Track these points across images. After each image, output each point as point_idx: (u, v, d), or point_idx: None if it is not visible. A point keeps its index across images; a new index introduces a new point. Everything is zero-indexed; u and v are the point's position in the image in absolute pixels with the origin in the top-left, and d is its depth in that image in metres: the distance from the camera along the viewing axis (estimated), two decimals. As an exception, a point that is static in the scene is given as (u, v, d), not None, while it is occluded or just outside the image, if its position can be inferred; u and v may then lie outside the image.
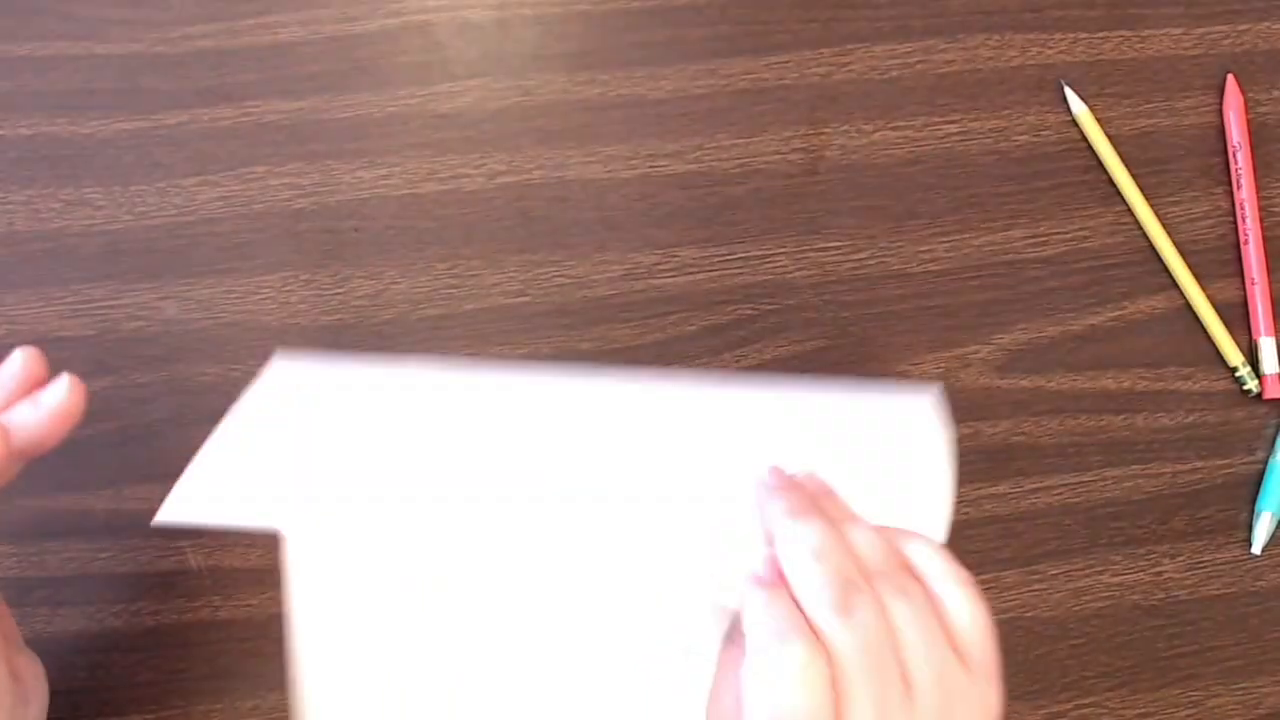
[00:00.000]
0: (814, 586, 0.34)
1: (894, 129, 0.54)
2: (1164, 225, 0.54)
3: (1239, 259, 0.54)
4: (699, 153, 0.53)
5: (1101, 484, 0.53)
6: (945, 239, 0.53)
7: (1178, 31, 0.56)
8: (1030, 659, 0.51)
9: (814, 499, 0.37)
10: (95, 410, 0.49)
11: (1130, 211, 0.54)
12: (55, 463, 0.49)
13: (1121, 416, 0.53)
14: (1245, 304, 0.54)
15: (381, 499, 0.41)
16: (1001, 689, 0.37)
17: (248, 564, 0.49)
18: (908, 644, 0.34)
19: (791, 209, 0.53)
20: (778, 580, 0.35)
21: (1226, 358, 0.53)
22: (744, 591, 0.35)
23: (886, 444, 0.41)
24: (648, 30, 0.53)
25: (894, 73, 0.54)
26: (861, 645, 0.33)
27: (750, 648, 0.34)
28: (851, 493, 0.39)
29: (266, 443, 0.42)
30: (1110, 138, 0.54)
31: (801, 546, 0.35)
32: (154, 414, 0.50)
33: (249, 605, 0.49)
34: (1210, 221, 0.55)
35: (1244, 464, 0.53)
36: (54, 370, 0.49)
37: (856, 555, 0.35)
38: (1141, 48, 0.55)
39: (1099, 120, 0.54)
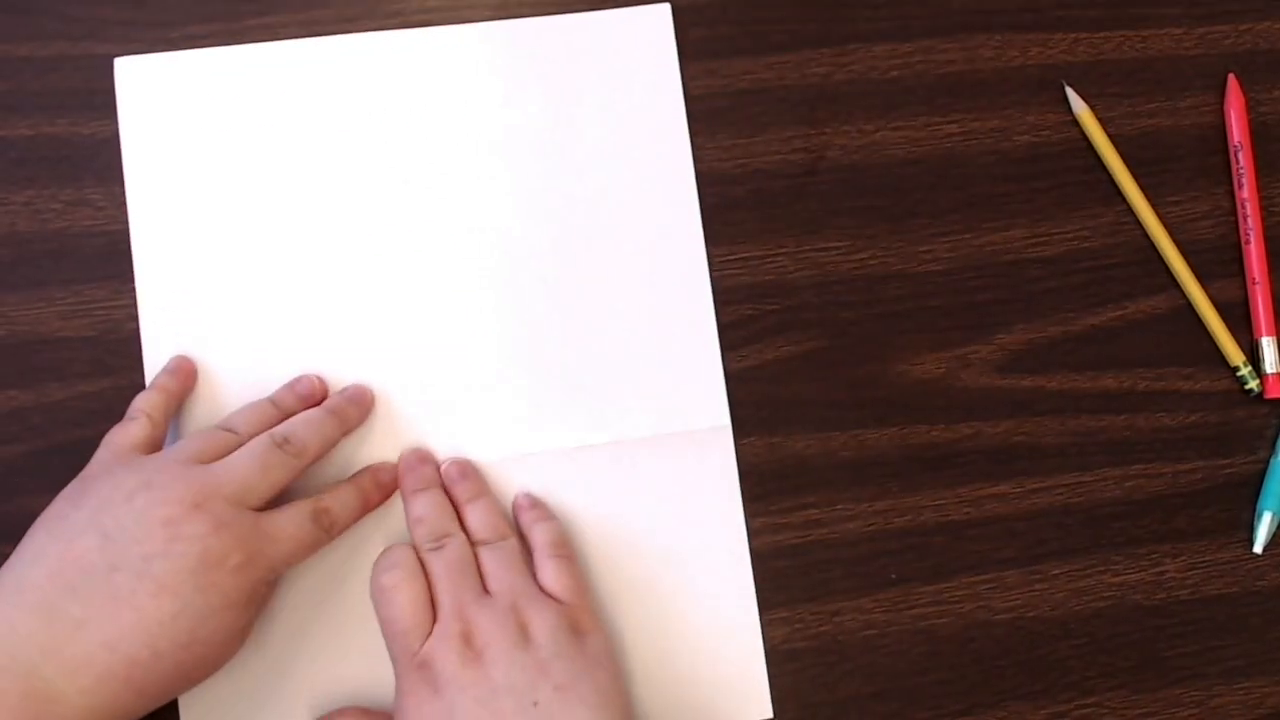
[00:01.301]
0: (416, 536, 0.47)
1: (894, 129, 0.54)
2: (1165, 225, 0.54)
3: (1240, 258, 0.54)
4: (699, 152, 0.53)
5: (1103, 484, 0.53)
6: (946, 239, 0.53)
7: (1179, 31, 0.56)
8: (1032, 659, 0.51)
9: (448, 475, 0.49)
10: (95, 411, 0.49)
11: (1131, 211, 0.54)
12: (56, 463, 0.49)
13: (1123, 416, 0.53)
14: (1246, 303, 0.54)
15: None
16: (596, 621, 0.46)
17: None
18: (485, 566, 0.46)
19: (792, 209, 0.53)
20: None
21: (1228, 357, 0.53)
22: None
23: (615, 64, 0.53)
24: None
25: (894, 73, 0.54)
26: (445, 563, 0.45)
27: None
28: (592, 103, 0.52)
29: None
30: (1111, 137, 0.54)
31: (413, 510, 0.48)
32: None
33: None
34: (1211, 221, 0.55)
35: (1245, 464, 0.53)
36: (54, 370, 0.50)
37: (467, 523, 0.48)
38: (1142, 47, 0.55)
39: (1100, 120, 0.54)
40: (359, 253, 0.51)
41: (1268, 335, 0.53)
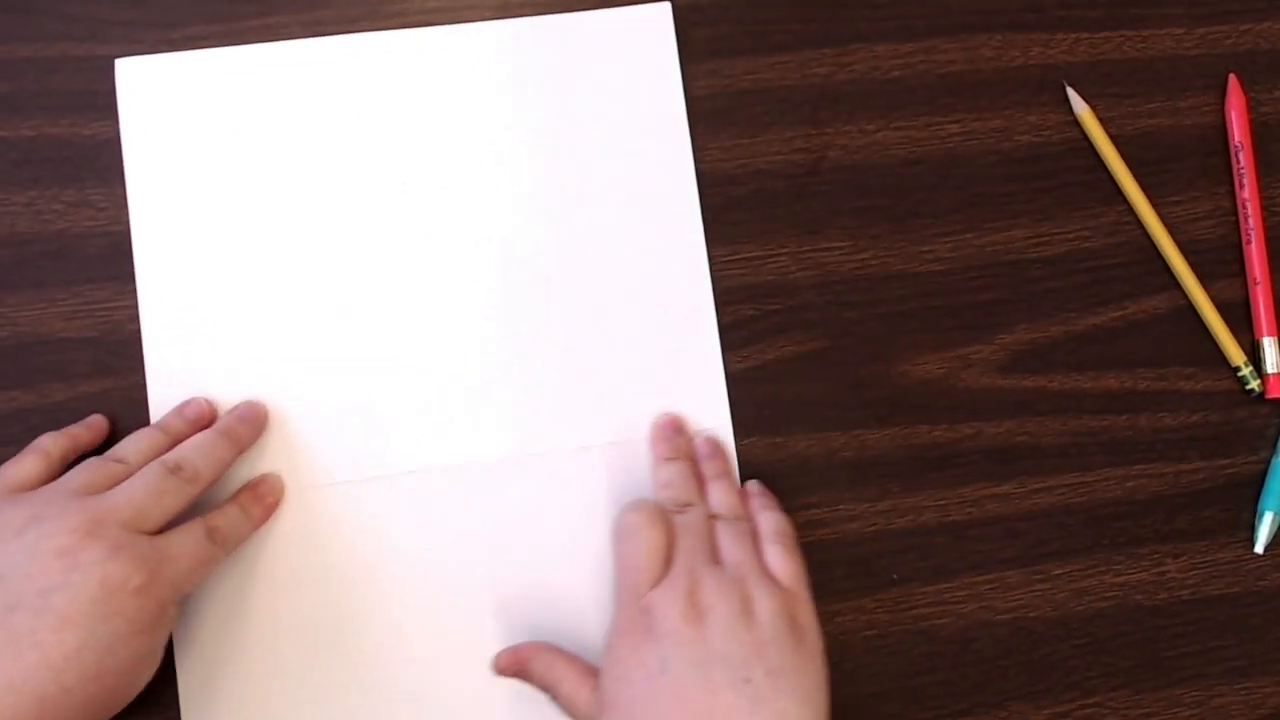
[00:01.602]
0: (661, 500, 0.48)
1: (896, 129, 0.54)
2: (1166, 225, 0.54)
3: (1241, 258, 0.54)
4: (701, 152, 0.53)
5: (1104, 484, 0.53)
6: (947, 239, 0.53)
7: (1179, 31, 0.56)
8: (1034, 659, 0.51)
9: (700, 450, 0.51)
10: (97, 411, 0.49)
11: (1132, 211, 0.54)
12: (58, 464, 0.49)
13: (1124, 416, 0.53)
14: (1247, 304, 0.54)
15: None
16: (813, 618, 0.46)
17: (250, 565, 0.49)
18: (720, 539, 0.47)
19: (793, 209, 0.53)
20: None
21: (1229, 357, 0.53)
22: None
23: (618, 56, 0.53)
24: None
25: (896, 73, 0.54)
26: (685, 525, 0.47)
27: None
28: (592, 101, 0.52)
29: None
30: (1112, 137, 0.54)
31: (662, 475, 0.50)
32: (156, 415, 0.50)
33: (252, 606, 0.49)
34: (1212, 221, 0.55)
35: (1247, 464, 0.53)
36: (55, 371, 0.50)
37: (709, 498, 0.49)
38: (1143, 47, 0.55)
39: (1101, 120, 0.54)
40: (359, 252, 0.51)
41: (1269, 335, 0.53)
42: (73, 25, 0.51)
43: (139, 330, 0.50)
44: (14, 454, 0.49)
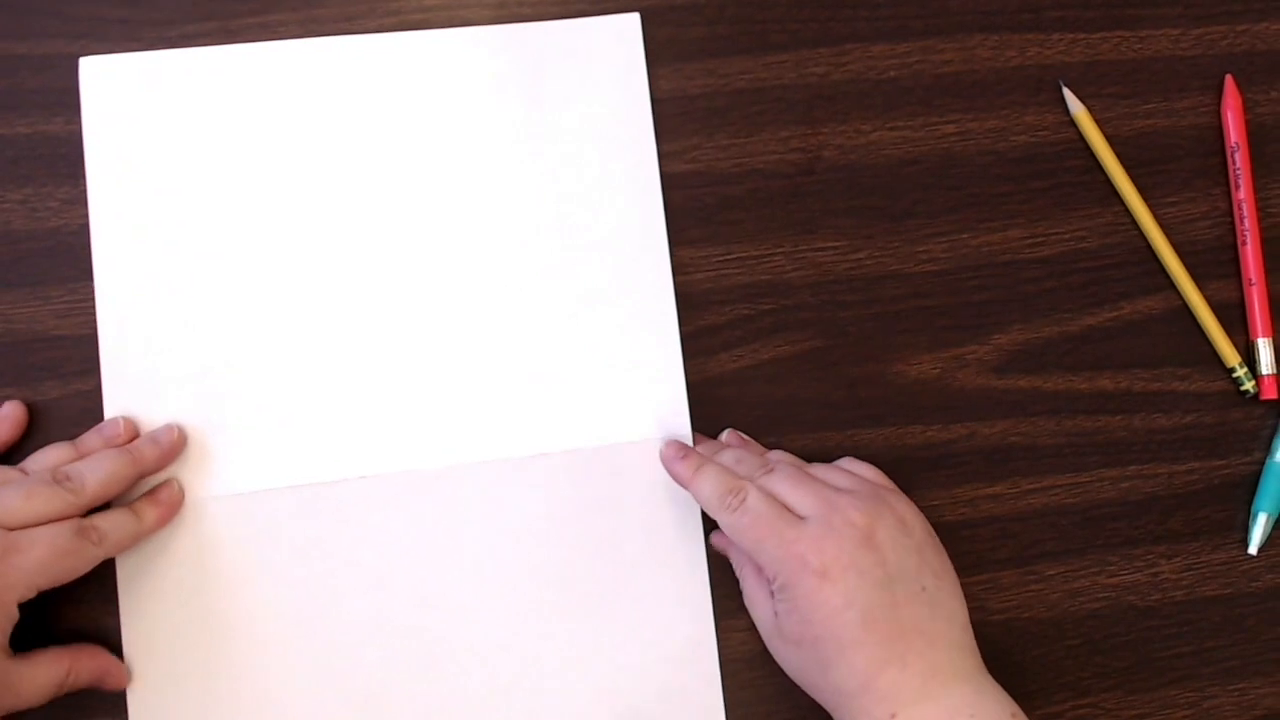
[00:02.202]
0: (739, 470, 0.48)
1: (892, 129, 0.54)
2: (1161, 226, 0.54)
3: (1237, 260, 0.54)
4: (696, 152, 0.53)
5: (1099, 485, 0.53)
6: (943, 239, 0.53)
7: (1176, 32, 0.56)
8: (1027, 659, 0.51)
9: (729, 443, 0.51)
10: (92, 409, 0.49)
11: (1128, 212, 0.54)
12: (52, 461, 0.49)
13: (1119, 417, 0.53)
14: (1243, 305, 0.54)
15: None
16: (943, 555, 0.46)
17: (244, 563, 0.49)
18: (821, 472, 0.48)
19: (789, 209, 0.53)
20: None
21: (1224, 358, 0.53)
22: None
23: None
24: (646, 30, 0.53)
25: (892, 73, 0.54)
26: (786, 473, 0.47)
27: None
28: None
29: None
30: (1108, 138, 0.54)
31: (725, 457, 0.49)
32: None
33: (246, 604, 0.49)
34: (1208, 222, 0.55)
35: (1241, 465, 0.53)
36: (50, 369, 0.50)
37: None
38: (1140, 48, 0.55)
39: (1097, 120, 0.54)
40: (317, 255, 0.51)
41: (1264, 336, 0.53)
42: (69, 23, 0.51)
43: (134, 328, 0.50)
44: (11, 452, 0.49)
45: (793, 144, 0.53)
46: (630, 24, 0.53)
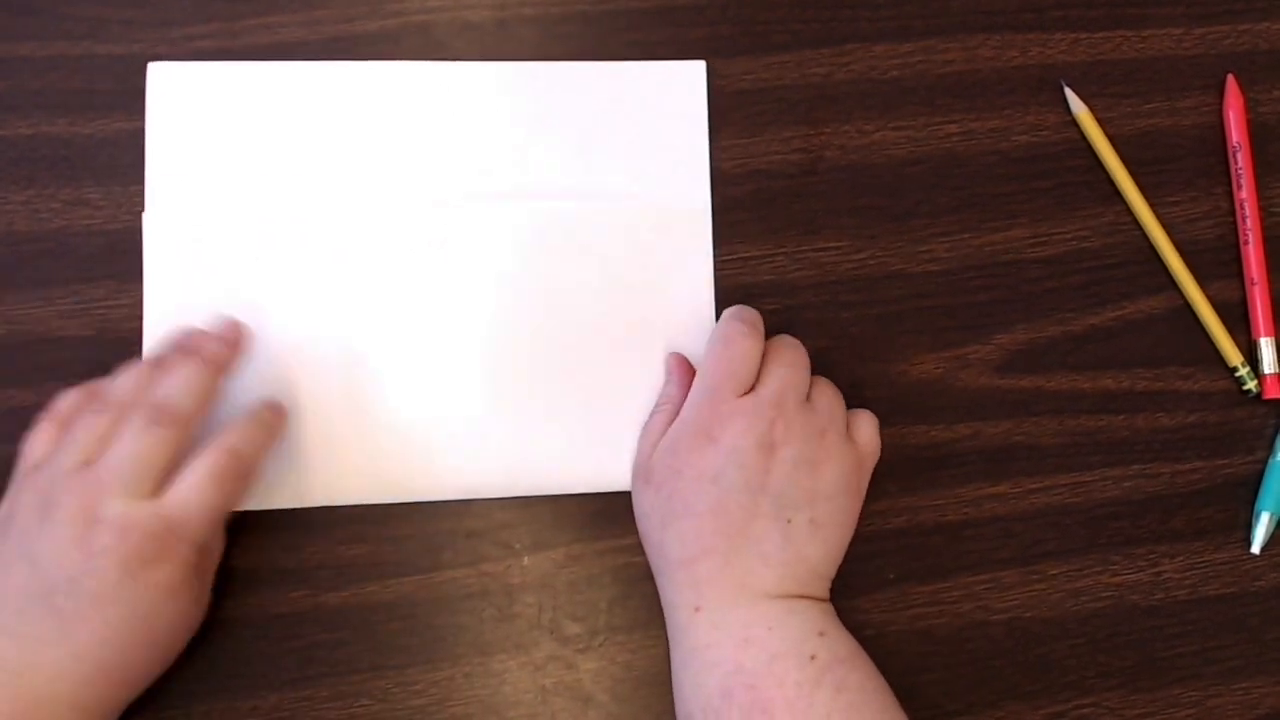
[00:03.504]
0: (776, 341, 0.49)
1: (894, 129, 0.54)
2: (1164, 225, 0.54)
3: (1239, 259, 0.54)
4: (699, 153, 0.53)
5: (1101, 484, 0.53)
6: (945, 239, 0.53)
7: (1178, 31, 0.56)
8: (1030, 658, 0.51)
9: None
10: (95, 410, 0.49)
11: (1130, 211, 0.54)
12: (55, 463, 0.49)
13: (1121, 417, 0.53)
14: (1245, 304, 0.54)
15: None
16: (868, 477, 0.49)
17: (247, 564, 0.49)
18: (818, 387, 0.48)
19: (791, 209, 0.53)
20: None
21: (1226, 358, 0.53)
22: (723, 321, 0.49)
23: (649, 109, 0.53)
24: (647, 30, 0.53)
25: (894, 73, 0.54)
26: (791, 359, 0.48)
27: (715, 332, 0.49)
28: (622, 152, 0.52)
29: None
30: (1110, 138, 0.54)
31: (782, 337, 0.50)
32: (154, 414, 0.50)
33: (249, 605, 0.49)
34: (1210, 222, 0.55)
35: (1244, 464, 0.53)
36: (53, 370, 0.50)
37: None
38: (1142, 48, 0.55)
39: (1099, 120, 0.54)
40: (365, 271, 0.51)
41: (1266, 336, 0.53)
42: (70, 24, 0.51)
43: (137, 328, 0.50)
44: (12, 452, 0.49)
45: (795, 144, 0.53)
46: (695, 72, 0.53)
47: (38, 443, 0.46)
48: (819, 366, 0.52)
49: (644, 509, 0.48)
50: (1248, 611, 0.52)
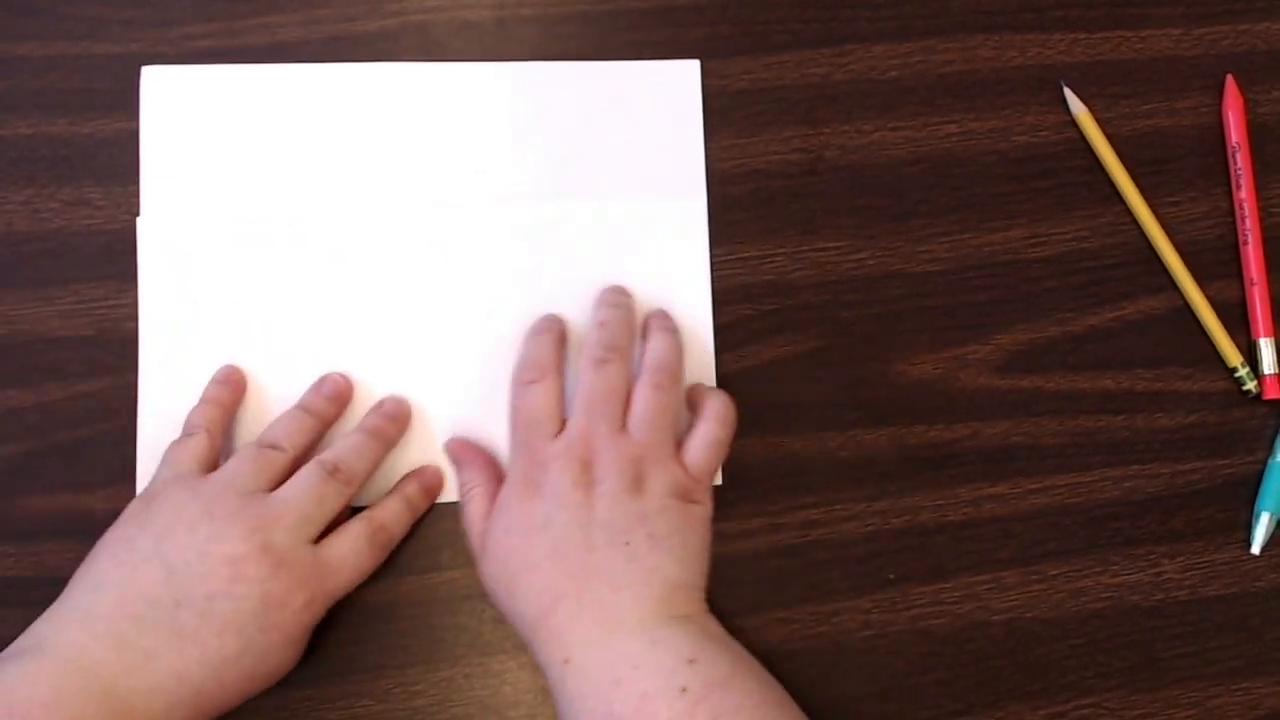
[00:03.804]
0: (590, 339, 0.48)
1: (893, 129, 0.54)
2: (1163, 225, 0.54)
3: (1238, 259, 0.54)
4: (698, 153, 0.53)
5: (1101, 484, 0.53)
6: (945, 239, 0.53)
7: (1177, 32, 0.56)
8: (1030, 659, 0.51)
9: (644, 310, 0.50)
10: (95, 410, 0.49)
11: (1129, 212, 0.54)
12: (55, 463, 0.49)
13: (1121, 417, 0.53)
14: (1244, 304, 0.54)
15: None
16: (708, 497, 0.48)
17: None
18: (636, 404, 0.47)
19: (790, 209, 0.53)
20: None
21: (1226, 358, 0.53)
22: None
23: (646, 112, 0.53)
24: (646, 30, 0.53)
25: (893, 73, 0.54)
26: (597, 383, 0.47)
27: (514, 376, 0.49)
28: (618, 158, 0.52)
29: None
30: (1110, 138, 0.54)
31: (599, 314, 0.49)
32: (147, 417, 0.50)
33: (248, 605, 0.49)
34: (1209, 222, 0.55)
35: (1243, 464, 0.53)
36: (53, 370, 0.50)
37: (649, 349, 0.49)
38: (1141, 48, 0.55)
39: (1098, 120, 0.54)
40: (363, 271, 0.51)
41: (1265, 336, 0.53)
42: (70, 24, 0.51)
43: (136, 329, 0.50)
44: (11, 453, 0.49)
45: (794, 144, 0.53)
46: (689, 71, 0.53)
47: (188, 452, 0.46)
48: (818, 367, 0.52)
49: (490, 584, 0.46)
50: (1248, 612, 0.52)
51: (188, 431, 0.47)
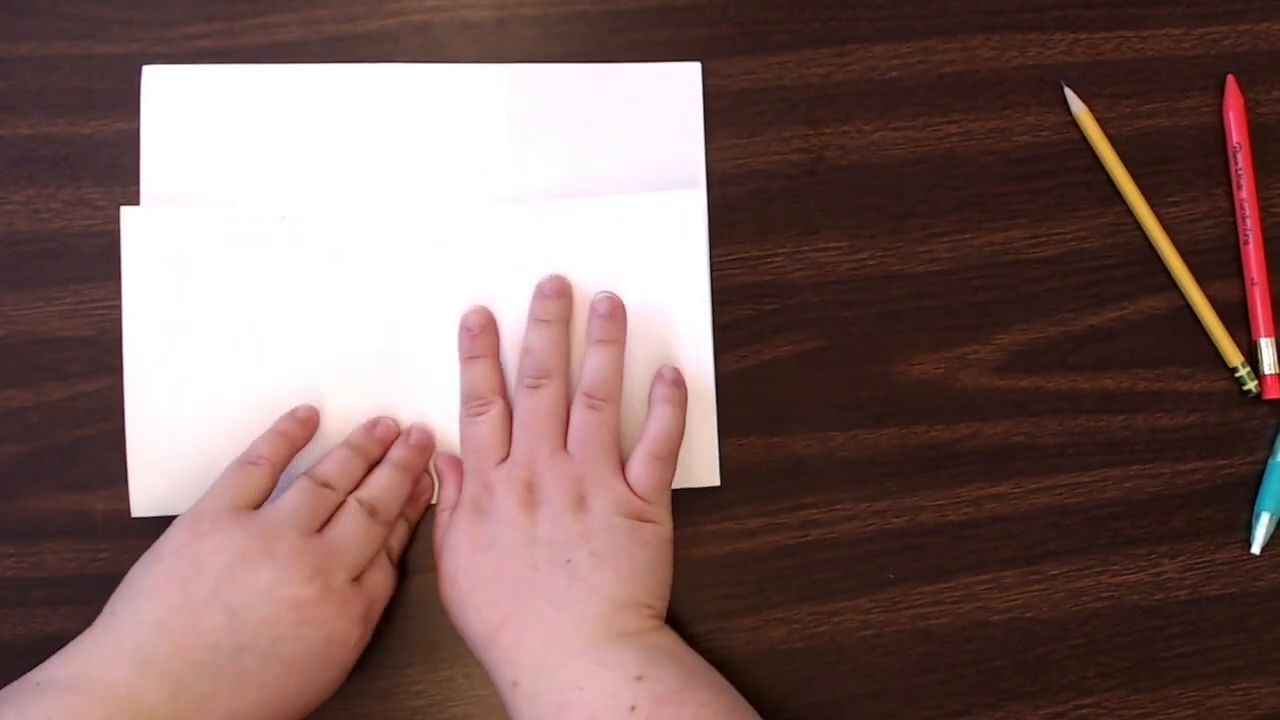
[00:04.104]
0: (520, 365, 0.49)
1: (894, 129, 0.54)
2: (1164, 225, 0.54)
3: (1239, 259, 0.54)
4: (699, 153, 0.53)
5: (1101, 484, 0.53)
6: (945, 239, 0.53)
7: (1178, 32, 0.56)
8: (1030, 659, 0.51)
9: (594, 308, 0.50)
10: (95, 410, 0.50)
11: (1130, 212, 0.54)
12: (55, 463, 0.49)
13: (1121, 417, 0.53)
14: (1245, 304, 0.54)
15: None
16: (664, 517, 0.48)
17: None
18: (574, 424, 0.47)
19: (791, 209, 0.53)
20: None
21: (1226, 358, 0.53)
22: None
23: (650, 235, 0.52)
24: (646, 30, 0.53)
25: (894, 73, 0.54)
26: (534, 408, 0.47)
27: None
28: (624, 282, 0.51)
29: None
30: (1110, 138, 0.54)
31: (528, 338, 0.49)
32: (134, 420, 0.50)
33: (248, 605, 0.49)
34: (1210, 222, 0.55)
35: (1244, 464, 0.53)
36: (53, 370, 0.50)
37: (586, 364, 0.49)
38: (1141, 48, 0.55)
39: (1099, 120, 0.54)
40: (364, 272, 0.50)
41: (1266, 336, 0.53)
42: (70, 24, 0.51)
43: (136, 329, 0.50)
44: (11, 453, 0.49)
45: (795, 144, 0.53)
46: (690, 74, 0.53)
47: (250, 484, 0.46)
48: (818, 367, 0.52)
49: (446, 604, 0.47)
50: (1248, 612, 0.52)
51: (250, 460, 0.47)
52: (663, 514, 0.48)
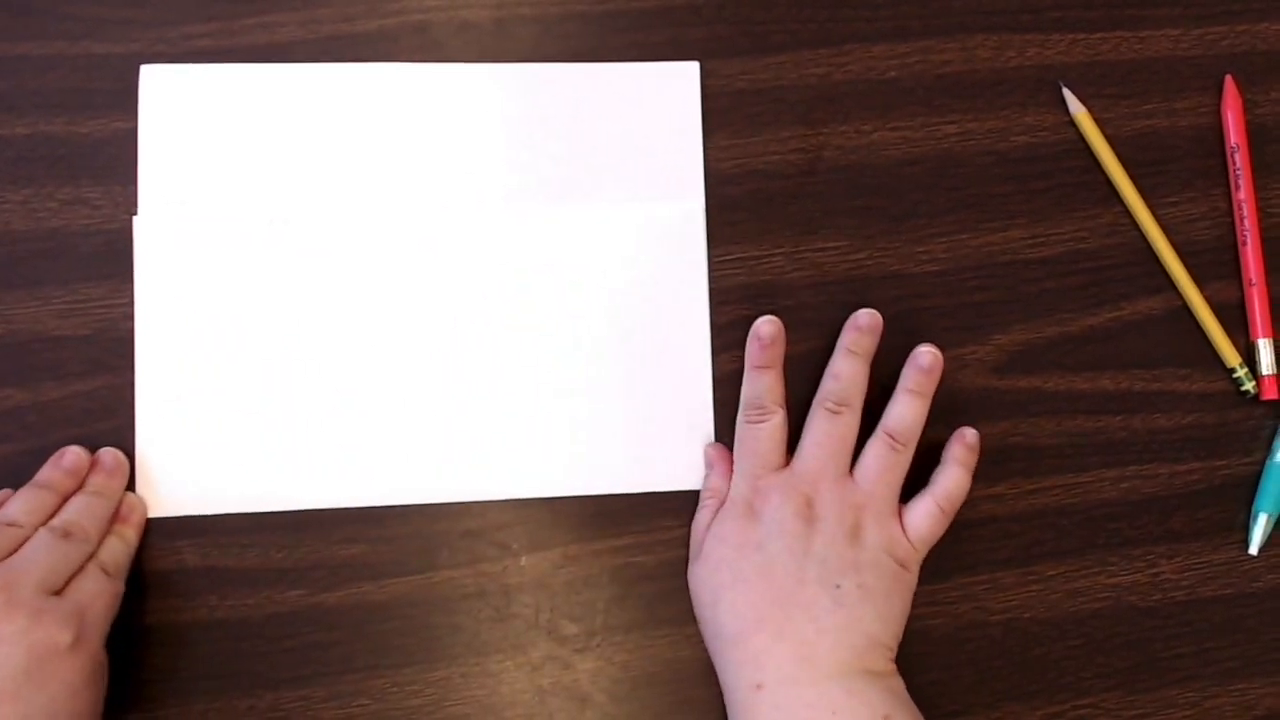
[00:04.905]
0: (823, 389, 0.50)
1: (892, 129, 0.54)
2: (1162, 226, 0.54)
3: (1237, 260, 0.54)
4: (697, 153, 0.53)
5: (1099, 485, 0.53)
6: (943, 240, 0.53)
7: (1176, 32, 0.56)
8: (1028, 659, 0.51)
9: (911, 358, 0.50)
10: (92, 410, 0.50)
11: (1128, 212, 0.54)
12: (52, 462, 0.49)
13: (1119, 417, 0.53)
14: (1243, 305, 0.54)
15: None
16: (917, 566, 0.48)
17: (244, 564, 0.49)
18: (868, 456, 0.48)
19: (789, 209, 0.53)
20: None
21: (1224, 359, 0.53)
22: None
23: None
24: (645, 30, 0.53)
25: (892, 73, 0.54)
26: (828, 429, 0.48)
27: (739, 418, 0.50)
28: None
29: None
30: (1108, 138, 0.54)
31: (836, 366, 0.50)
32: (145, 416, 0.50)
33: (246, 605, 0.49)
34: (1208, 222, 0.55)
35: (1241, 465, 0.53)
36: (50, 369, 0.50)
37: (890, 408, 0.50)
38: (1140, 48, 0.55)
39: (1097, 121, 0.54)
40: (357, 274, 0.51)
41: (1264, 337, 0.53)
42: (69, 24, 0.51)
43: (134, 328, 0.50)
44: (9, 452, 0.49)
45: (793, 145, 0.53)
46: (689, 74, 0.53)
47: None
48: (820, 367, 0.52)
49: (695, 587, 0.48)
50: (1245, 612, 0.52)
51: None
52: (917, 567, 0.48)
